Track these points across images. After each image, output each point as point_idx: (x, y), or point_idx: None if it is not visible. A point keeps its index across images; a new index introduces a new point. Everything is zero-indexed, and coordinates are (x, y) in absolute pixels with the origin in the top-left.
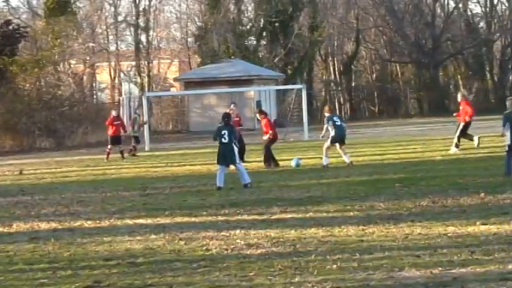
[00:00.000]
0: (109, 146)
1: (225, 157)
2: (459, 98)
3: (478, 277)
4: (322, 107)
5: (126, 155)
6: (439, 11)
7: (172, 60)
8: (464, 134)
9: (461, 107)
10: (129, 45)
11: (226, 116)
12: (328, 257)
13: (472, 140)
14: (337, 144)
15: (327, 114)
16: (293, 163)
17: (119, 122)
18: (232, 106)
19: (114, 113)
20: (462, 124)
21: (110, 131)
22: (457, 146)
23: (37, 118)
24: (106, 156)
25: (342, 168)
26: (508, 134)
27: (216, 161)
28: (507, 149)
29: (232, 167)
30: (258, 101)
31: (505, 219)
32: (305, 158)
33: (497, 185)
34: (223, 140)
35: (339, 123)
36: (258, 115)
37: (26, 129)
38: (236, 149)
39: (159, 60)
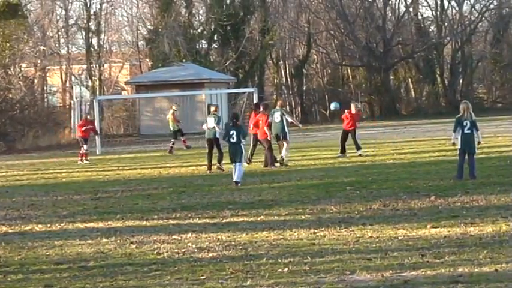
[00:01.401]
0: (85, 147)
1: (235, 156)
2: (353, 110)
3: (429, 280)
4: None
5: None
6: (390, 14)
7: (123, 63)
8: (344, 140)
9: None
10: (80, 48)
11: (235, 117)
12: (279, 260)
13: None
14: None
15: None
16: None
17: (92, 126)
18: (174, 106)
19: (89, 116)
20: (346, 131)
21: (79, 133)
22: (358, 148)
23: None
24: (81, 157)
25: (293, 172)
26: (459, 138)
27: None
28: (459, 152)
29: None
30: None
31: (456, 222)
32: (256, 161)
33: (447, 188)
34: (231, 140)
35: (278, 120)
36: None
37: None
38: (243, 149)
39: (110, 64)
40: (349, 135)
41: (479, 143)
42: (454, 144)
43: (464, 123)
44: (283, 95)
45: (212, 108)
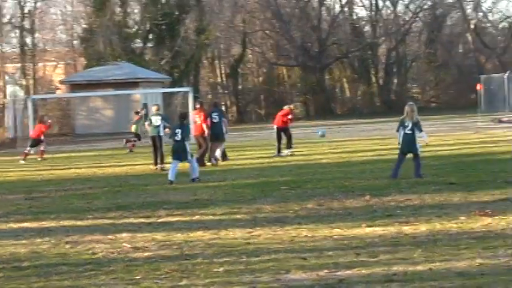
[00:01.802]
0: (29, 149)
1: (178, 153)
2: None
3: (364, 279)
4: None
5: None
6: (325, 14)
7: (58, 62)
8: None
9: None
10: (14, 47)
11: (183, 116)
12: (215, 260)
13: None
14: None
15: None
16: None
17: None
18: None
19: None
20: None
21: (35, 134)
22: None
23: None
24: (24, 157)
25: (229, 171)
26: (400, 139)
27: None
28: (398, 152)
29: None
30: (144, 104)
31: (390, 221)
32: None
33: (382, 188)
34: (176, 138)
35: (217, 120)
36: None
37: None
38: (188, 147)
39: (44, 63)
40: (283, 133)
41: (426, 144)
42: (399, 144)
43: (406, 124)
44: (219, 95)
45: (154, 108)
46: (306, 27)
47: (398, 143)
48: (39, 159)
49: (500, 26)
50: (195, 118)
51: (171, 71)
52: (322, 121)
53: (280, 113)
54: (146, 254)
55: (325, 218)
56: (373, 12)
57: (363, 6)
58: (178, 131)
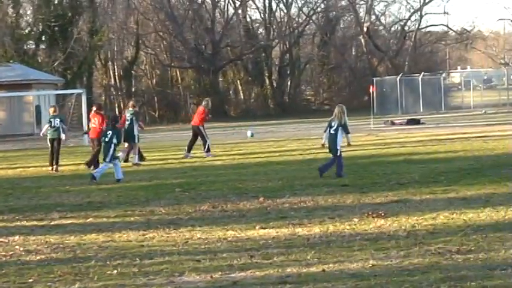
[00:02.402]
0: None
1: (104, 154)
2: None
3: (258, 281)
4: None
5: None
6: (218, 16)
7: None
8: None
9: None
10: None
11: (114, 119)
12: (108, 262)
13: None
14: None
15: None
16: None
17: None
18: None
19: None
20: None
21: None
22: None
23: None
24: None
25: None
26: (325, 139)
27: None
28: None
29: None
30: (37, 106)
31: (284, 223)
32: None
33: (276, 190)
34: (105, 139)
35: (129, 122)
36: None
37: None
38: (113, 149)
39: None
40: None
41: (349, 144)
42: (323, 145)
43: (332, 124)
44: (112, 97)
45: (51, 110)
46: (200, 29)
47: (323, 144)
48: None
49: (393, 29)
50: (92, 121)
51: (64, 73)
52: (216, 123)
53: (197, 112)
54: (39, 257)
55: (219, 220)
56: (266, 15)
57: (257, 8)
58: (109, 133)
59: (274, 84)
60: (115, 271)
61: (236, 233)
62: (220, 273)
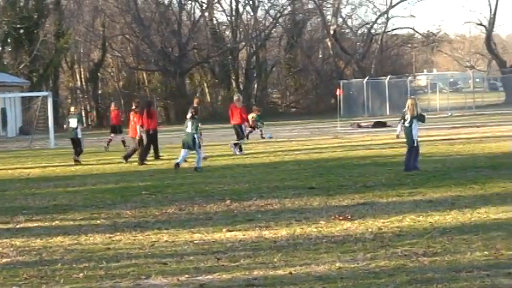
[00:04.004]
0: None
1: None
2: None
3: (224, 283)
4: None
5: None
6: (185, 19)
7: None
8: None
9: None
10: None
11: (195, 110)
12: (74, 265)
13: None
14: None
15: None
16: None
17: None
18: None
19: None
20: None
21: None
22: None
23: None
24: None
25: (88, 176)
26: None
27: None
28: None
29: None
30: (2, 108)
31: (251, 225)
32: (51, 165)
33: (242, 192)
34: (187, 129)
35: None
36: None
37: None
38: (197, 137)
39: None
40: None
41: None
42: (397, 136)
43: (406, 117)
44: (78, 99)
45: (72, 109)
46: (166, 31)
47: (397, 136)
48: None
49: (359, 32)
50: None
51: (30, 75)
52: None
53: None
54: (4, 260)
55: (186, 223)
56: (233, 17)
57: (223, 11)
58: (189, 123)
59: (241, 87)
60: (81, 274)
61: (203, 236)
62: (187, 276)
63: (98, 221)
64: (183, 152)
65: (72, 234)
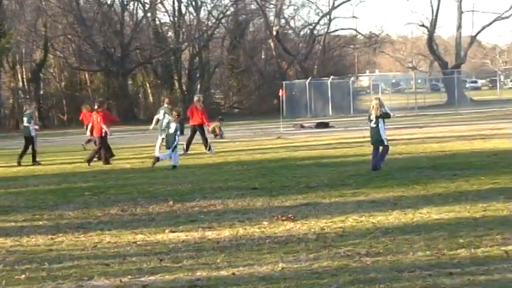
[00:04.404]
0: None
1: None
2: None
3: (167, 284)
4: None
5: None
6: (128, 19)
7: None
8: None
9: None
10: None
11: (178, 113)
12: (16, 267)
13: None
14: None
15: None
16: None
17: None
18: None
19: None
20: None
21: None
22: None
23: None
24: None
25: (31, 177)
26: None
27: None
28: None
29: None
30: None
31: (194, 226)
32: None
33: (185, 193)
34: (170, 130)
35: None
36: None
37: None
38: (177, 139)
39: None
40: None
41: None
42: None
43: (371, 118)
44: (20, 100)
45: (24, 108)
46: (109, 32)
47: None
48: None
49: (302, 32)
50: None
51: None
52: (126, 126)
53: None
54: None
55: (129, 224)
56: (176, 18)
57: (166, 11)
58: (173, 125)
59: (184, 88)
60: (23, 275)
61: (145, 237)
62: (129, 277)
63: (40, 222)
64: (168, 152)
65: (13, 235)
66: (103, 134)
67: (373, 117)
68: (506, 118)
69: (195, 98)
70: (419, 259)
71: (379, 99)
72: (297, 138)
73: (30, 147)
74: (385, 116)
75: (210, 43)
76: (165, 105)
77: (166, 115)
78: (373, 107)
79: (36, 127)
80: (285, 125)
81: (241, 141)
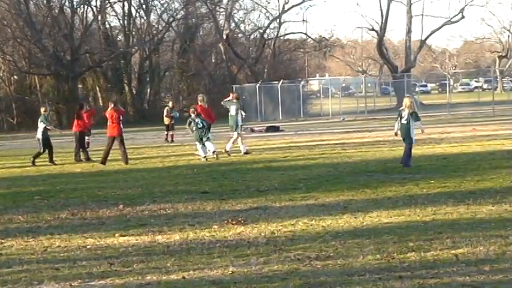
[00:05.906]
0: None
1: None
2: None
3: None
4: None
5: None
6: (78, 23)
7: None
8: None
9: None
10: None
11: (196, 110)
12: None
13: None
14: None
15: None
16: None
17: None
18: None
19: None
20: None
21: None
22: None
23: None
24: None
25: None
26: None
27: None
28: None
29: None
30: None
31: (144, 230)
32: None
33: (135, 197)
34: (198, 125)
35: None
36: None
37: None
38: (207, 131)
39: None
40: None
41: (422, 131)
42: (396, 134)
43: (403, 115)
44: None
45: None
46: (59, 35)
47: (395, 133)
48: None
49: (252, 36)
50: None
51: None
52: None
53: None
54: None
55: (79, 228)
56: (126, 21)
57: (116, 15)
58: (198, 120)
59: (134, 91)
60: None
61: (95, 241)
62: (79, 281)
63: None
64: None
65: None
66: (121, 133)
67: (405, 113)
68: (455, 122)
69: (199, 98)
70: (369, 263)
71: (411, 96)
72: (247, 142)
73: None
74: (416, 115)
75: (160, 47)
76: (234, 100)
77: (239, 110)
78: (405, 104)
79: None
80: None
81: (191, 145)
